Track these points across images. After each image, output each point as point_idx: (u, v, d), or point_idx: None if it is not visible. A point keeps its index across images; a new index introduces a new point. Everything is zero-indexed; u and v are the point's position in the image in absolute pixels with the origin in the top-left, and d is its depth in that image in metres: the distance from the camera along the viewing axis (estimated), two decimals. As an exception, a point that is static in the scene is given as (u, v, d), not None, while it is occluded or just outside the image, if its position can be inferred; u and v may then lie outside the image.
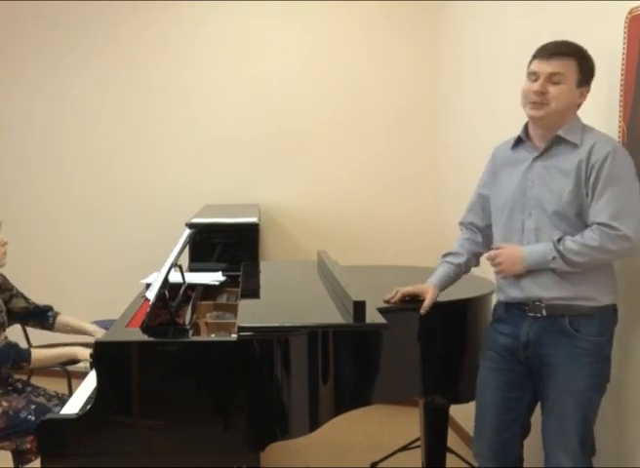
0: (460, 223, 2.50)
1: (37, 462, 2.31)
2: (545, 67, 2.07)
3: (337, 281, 2.45)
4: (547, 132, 2.12)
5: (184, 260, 3.23)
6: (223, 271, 3.17)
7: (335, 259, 2.92)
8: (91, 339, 2.48)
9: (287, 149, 4.51)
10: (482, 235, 2.42)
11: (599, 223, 2.00)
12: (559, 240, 2.04)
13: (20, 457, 2.53)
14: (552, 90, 2.06)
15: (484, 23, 3.52)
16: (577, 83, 2.07)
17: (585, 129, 2.11)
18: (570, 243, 2.03)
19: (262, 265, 3.24)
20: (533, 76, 2.10)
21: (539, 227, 2.12)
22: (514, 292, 2.19)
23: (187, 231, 3.09)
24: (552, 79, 2.06)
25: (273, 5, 4.40)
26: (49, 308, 2.92)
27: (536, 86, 2.07)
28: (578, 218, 2.07)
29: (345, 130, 4.48)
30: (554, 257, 2.04)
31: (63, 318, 2.90)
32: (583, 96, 2.10)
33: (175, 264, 2.57)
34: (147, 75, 4.52)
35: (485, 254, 2.28)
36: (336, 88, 4.45)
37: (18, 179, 4.61)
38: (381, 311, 2.22)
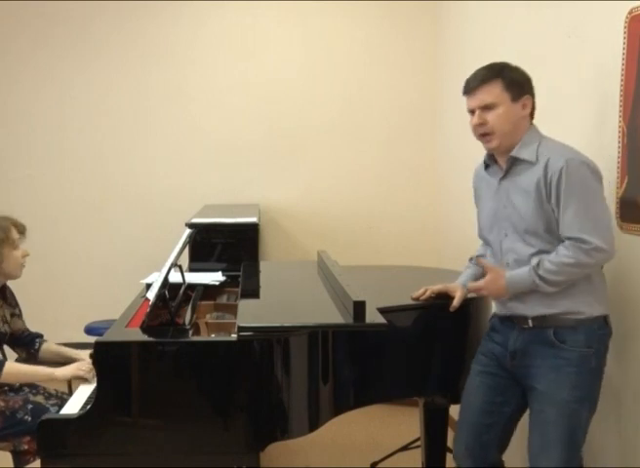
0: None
1: (36, 463, 2.31)
2: (473, 102, 2.13)
3: (337, 281, 2.44)
4: (508, 153, 2.15)
5: (184, 260, 3.23)
6: (223, 271, 3.17)
7: (335, 259, 2.92)
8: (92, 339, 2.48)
9: (287, 149, 4.51)
10: None
11: (569, 238, 2.01)
12: (538, 264, 2.04)
13: (18, 458, 2.52)
14: (490, 118, 2.10)
15: (484, 23, 3.52)
16: (511, 99, 2.09)
17: (541, 143, 2.11)
18: (547, 264, 2.03)
19: (262, 265, 3.24)
20: (471, 112, 2.16)
21: (514, 247, 2.14)
22: (502, 309, 2.24)
23: (187, 231, 3.09)
24: (486, 108, 2.10)
25: (273, 5, 4.40)
26: (39, 335, 2.84)
27: (475, 119, 2.13)
28: (549, 234, 2.07)
29: (345, 130, 4.48)
30: (534, 281, 2.05)
31: (49, 346, 2.81)
32: (527, 106, 2.12)
33: (175, 264, 2.57)
34: (147, 75, 4.52)
35: (469, 285, 2.32)
36: (336, 88, 4.46)
37: (18, 179, 4.60)
38: (382, 311, 2.22)
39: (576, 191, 1.99)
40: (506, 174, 2.16)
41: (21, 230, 2.68)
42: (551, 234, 2.07)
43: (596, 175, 2.03)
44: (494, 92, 2.09)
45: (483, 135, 2.13)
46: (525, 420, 2.25)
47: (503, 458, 2.34)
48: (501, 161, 2.20)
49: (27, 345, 2.79)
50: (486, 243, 2.39)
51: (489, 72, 2.12)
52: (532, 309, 2.12)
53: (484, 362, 2.30)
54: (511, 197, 2.14)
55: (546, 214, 2.06)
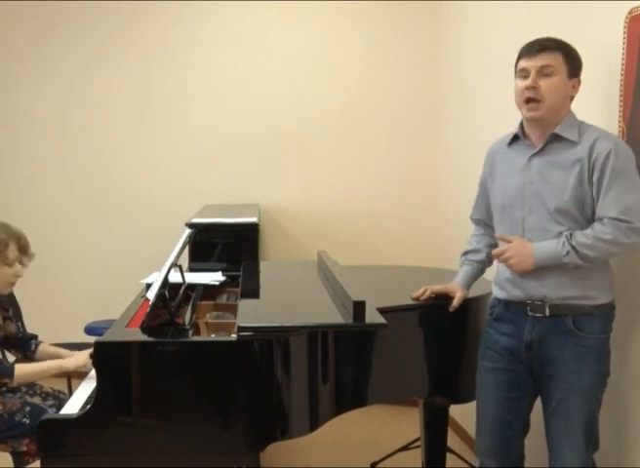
0: (470, 218, 2.52)
1: (36, 463, 2.31)
2: (534, 62, 2.09)
3: (337, 281, 2.44)
4: (544, 130, 2.13)
5: (184, 260, 3.23)
6: (223, 271, 3.17)
7: (335, 259, 2.92)
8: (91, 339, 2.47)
9: (287, 149, 4.51)
10: (493, 229, 2.41)
11: (610, 218, 2.00)
12: (571, 235, 2.04)
13: (19, 458, 2.52)
14: (544, 83, 2.07)
15: (484, 23, 3.52)
16: (567, 74, 2.08)
17: (582, 125, 2.11)
18: (582, 237, 2.02)
19: (262, 265, 3.23)
20: (523, 73, 2.12)
21: (540, 224, 2.12)
22: (516, 292, 2.19)
23: (187, 231, 3.09)
24: (543, 72, 2.07)
25: (273, 5, 4.40)
26: (34, 336, 2.81)
27: (528, 81, 2.09)
28: (579, 214, 2.07)
29: (345, 130, 4.48)
30: (568, 252, 2.03)
31: (44, 347, 2.79)
32: (575, 88, 2.12)
33: (175, 264, 2.57)
34: (147, 75, 4.52)
35: (493, 252, 2.25)
36: (335, 88, 4.45)
37: (18, 179, 4.60)
38: (382, 311, 2.22)
39: (620, 174, 2.00)
40: (541, 150, 2.13)
41: (23, 249, 2.59)
42: (581, 215, 2.06)
43: (635, 162, 2.05)
44: (556, 59, 2.07)
45: (529, 100, 2.09)
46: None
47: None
48: (534, 136, 2.16)
49: (22, 347, 2.77)
50: (489, 232, 2.38)
51: (555, 43, 2.10)
52: (552, 291, 2.10)
53: (494, 357, 2.27)
54: (546, 174, 2.11)
55: (584, 193, 2.05)
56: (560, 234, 2.07)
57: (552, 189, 2.09)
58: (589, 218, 2.06)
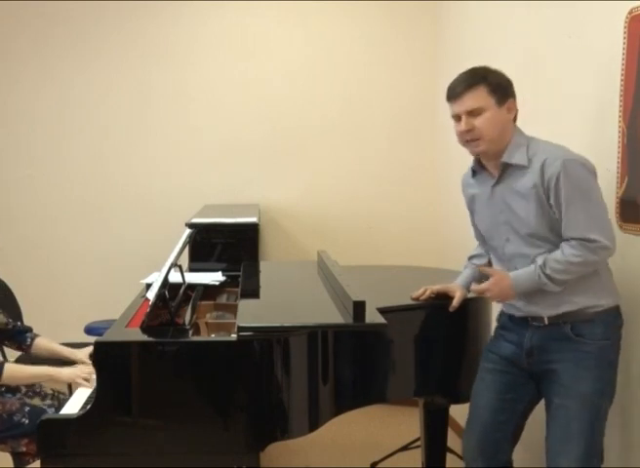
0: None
1: (35, 464, 2.31)
2: (461, 106, 2.09)
3: (337, 281, 2.44)
4: (496, 158, 2.14)
5: (184, 260, 3.23)
6: (223, 271, 3.17)
7: (335, 259, 2.91)
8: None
9: (287, 149, 4.51)
10: None
11: (575, 238, 2.00)
12: (544, 263, 2.04)
13: (19, 458, 2.52)
14: (477, 123, 2.08)
15: (484, 23, 3.52)
16: (496, 104, 2.07)
17: (531, 144, 2.10)
18: (554, 263, 2.03)
19: (262, 265, 3.23)
20: (456, 118, 2.13)
21: (519, 250, 2.14)
22: (514, 311, 2.22)
23: (187, 231, 3.09)
24: (472, 113, 2.08)
25: (273, 5, 4.40)
26: (28, 329, 2.78)
27: (462, 126, 2.10)
28: (552, 234, 2.07)
29: (345, 130, 4.48)
30: (545, 283, 2.05)
31: (41, 341, 2.76)
32: (512, 109, 2.11)
33: (175, 264, 2.57)
34: (147, 75, 4.52)
35: (472, 288, 2.30)
36: (335, 88, 4.46)
37: (17, 179, 4.60)
38: (382, 311, 2.22)
39: (576, 192, 1.99)
40: (499, 179, 2.15)
41: None
42: (554, 234, 2.07)
43: (592, 173, 2.04)
44: (480, 96, 2.07)
45: (469, 141, 2.12)
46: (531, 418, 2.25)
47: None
48: (490, 167, 2.19)
49: (17, 340, 2.74)
50: (487, 249, 2.40)
51: (473, 77, 2.10)
52: (544, 310, 2.12)
53: (494, 360, 2.28)
54: (508, 202, 2.13)
55: (548, 215, 2.06)
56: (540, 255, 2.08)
57: (518, 218, 2.11)
58: (562, 236, 2.06)
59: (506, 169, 2.13)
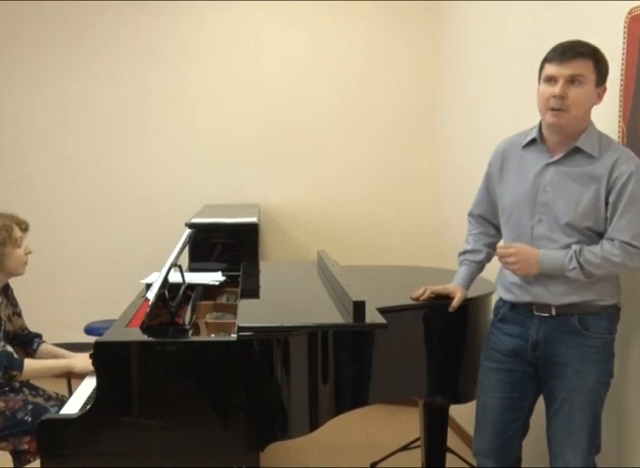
0: (470, 214, 2.47)
1: (36, 463, 2.31)
2: (564, 70, 1.99)
3: (336, 281, 2.44)
4: (564, 137, 2.07)
5: (184, 260, 3.23)
6: (223, 271, 3.17)
7: (335, 259, 2.92)
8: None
9: (287, 149, 4.51)
10: (493, 226, 2.40)
11: (622, 241, 1.99)
12: (580, 250, 2.02)
13: (18, 458, 2.53)
14: (572, 93, 1.98)
15: (484, 23, 3.52)
16: (595, 83, 2.01)
17: (602, 139, 2.06)
18: (590, 255, 2.01)
19: (262, 265, 3.24)
20: (549, 80, 2.02)
21: (550, 235, 2.10)
22: (525, 297, 2.18)
23: (187, 231, 3.09)
24: (572, 81, 1.99)
25: (274, 5, 4.40)
26: (38, 335, 2.87)
27: (557, 89, 1.99)
28: (589, 230, 2.05)
29: (345, 130, 4.48)
30: (574, 268, 2.03)
31: (46, 347, 2.83)
32: (600, 97, 2.05)
33: (174, 264, 2.57)
34: (148, 75, 4.52)
35: (498, 250, 2.21)
36: (335, 88, 4.45)
37: (18, 179, 4.61)
38: (382, 311, 2.22)
39: (637, 198, 1.98)
40: (560, 160, 2.08)
41: (24, 227, 2.70)
42: (591, 230, 2.05)
43: None
44: (587, 68, 1.98)
45: (555, 109, 1.99)
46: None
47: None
48: (552, 143, 2.10)
49: (26, 344, 2.81)
50: (486, 231, 2.38)
51: (586, 48, 2.00)
52: (557, 298, 2.10)
53: (498, 358, 2.27)
54: (559, 185, 2.07)
55: (598, 210, 2.03)
56: (568, 246, 2.06)
57: (565, 202, 2.06)
58: (599, 233, 2.05)
59: (573, 153, 2.06)
